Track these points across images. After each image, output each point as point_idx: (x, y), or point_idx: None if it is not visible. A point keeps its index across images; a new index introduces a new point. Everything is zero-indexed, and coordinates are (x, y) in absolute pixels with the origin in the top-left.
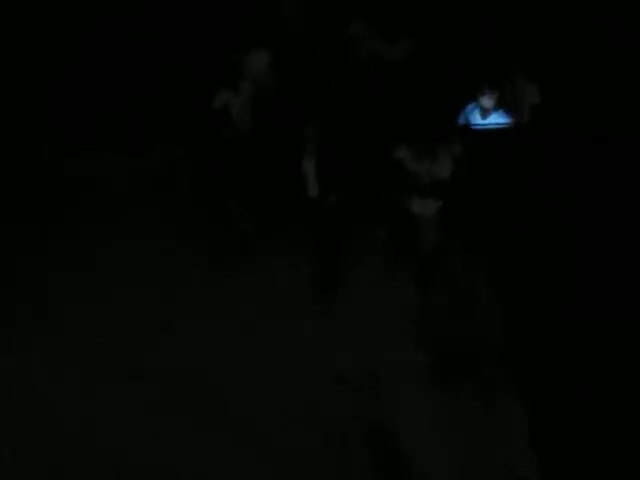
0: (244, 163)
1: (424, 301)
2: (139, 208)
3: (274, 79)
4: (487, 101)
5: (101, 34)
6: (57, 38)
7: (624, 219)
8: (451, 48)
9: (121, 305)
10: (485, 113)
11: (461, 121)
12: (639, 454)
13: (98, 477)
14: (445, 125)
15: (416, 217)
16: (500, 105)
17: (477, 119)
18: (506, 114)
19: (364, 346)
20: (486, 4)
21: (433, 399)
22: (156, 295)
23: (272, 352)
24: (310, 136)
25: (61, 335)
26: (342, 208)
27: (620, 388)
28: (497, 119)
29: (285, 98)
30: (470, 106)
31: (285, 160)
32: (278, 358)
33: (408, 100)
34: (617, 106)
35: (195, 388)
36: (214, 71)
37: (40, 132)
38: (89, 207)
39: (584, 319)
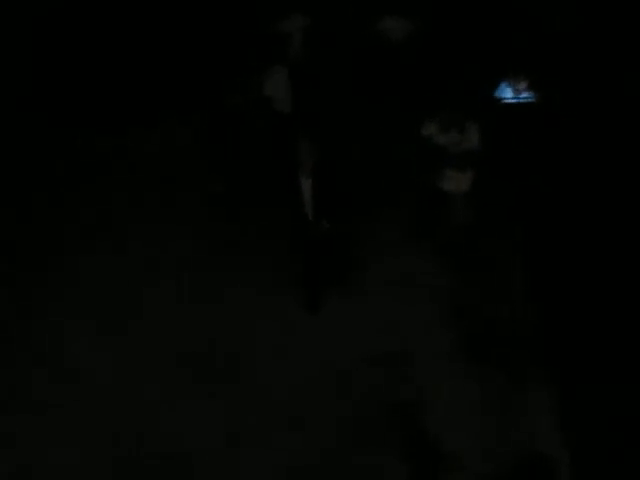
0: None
1: (454, 281)
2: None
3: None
4: (520, 84)
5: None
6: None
7: None
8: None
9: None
10: (518, 92)
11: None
12: None
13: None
14: (473, 96)
15: (447, 195)
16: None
17: (507, 94)
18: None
19: (394, 326)
20: None
21: (463, 378)
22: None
23: (305, 332)
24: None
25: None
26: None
27: None
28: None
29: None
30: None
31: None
32: (311, 338)
33: (438, 72)
34: None
35: (234, 368)
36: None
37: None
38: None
39: (617, 299)
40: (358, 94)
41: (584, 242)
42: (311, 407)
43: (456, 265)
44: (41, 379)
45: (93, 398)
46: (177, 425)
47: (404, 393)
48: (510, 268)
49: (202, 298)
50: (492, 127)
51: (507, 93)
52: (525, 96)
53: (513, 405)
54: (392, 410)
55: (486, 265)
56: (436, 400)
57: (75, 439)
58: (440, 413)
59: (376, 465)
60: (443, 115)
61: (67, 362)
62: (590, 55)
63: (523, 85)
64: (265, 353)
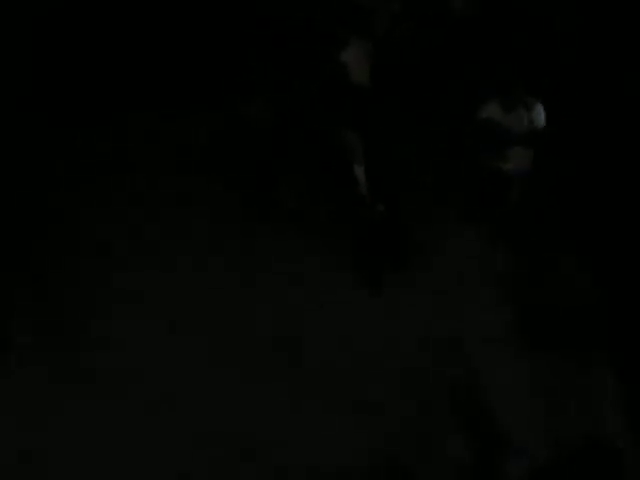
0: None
1: (513, 264)
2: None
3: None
4: None
5: None
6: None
7: None
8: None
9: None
10: None
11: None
12: None
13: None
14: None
15: (506, 175)
16: None
17: None
18: None
19: (449, 308)
20: None
21: (524, 361)
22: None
23: (359, 317)
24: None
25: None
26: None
27: None
28: None
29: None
30: None
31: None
32: (372, 320)
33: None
34: None
35: (293, 354)
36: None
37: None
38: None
39: None
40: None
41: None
42: (374, 390)
43: (515, 248)
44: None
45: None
46: (242, 408)
47: (465, 377)
48: (571, 251)
49: (263, 283)
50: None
51: None
52: None
53: (576, 389)
54: (453, 394)
55: (545, 247)
56: (497, 384)
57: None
58: (501, 397)
59: (439, 449)
60: (507, 94)
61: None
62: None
63: None
64: (327, 337)
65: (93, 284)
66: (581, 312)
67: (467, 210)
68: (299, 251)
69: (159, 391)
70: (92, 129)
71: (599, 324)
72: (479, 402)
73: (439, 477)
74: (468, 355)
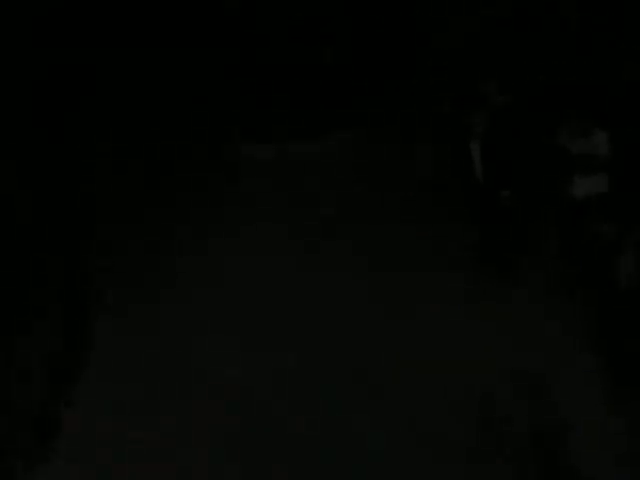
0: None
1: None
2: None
3: None
4: None
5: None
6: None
7: None
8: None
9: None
10: None
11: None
12: None
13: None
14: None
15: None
16: None
17: None
18: None
19: (535, 346)
20: None
21: (605, 401)
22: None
23: (445, 348)
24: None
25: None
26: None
27: None
28: None
29: None
30: None
31: None
32: (451, 354)
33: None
34: None
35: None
36: None
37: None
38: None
39: None
40: None
41: None
42: (452, 427)
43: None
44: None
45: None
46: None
47: (545, 417)
48: None
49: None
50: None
51: None
52: None
53: None
54: (533, 436)
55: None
56: (579, 426)
57: None
58: (583, 441)
59: None
60: (572, 122)
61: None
62: None
63: None
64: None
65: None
66: None
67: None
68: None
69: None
70: None
71: None
72: (560, 446)
73: None
74: (551, 394)
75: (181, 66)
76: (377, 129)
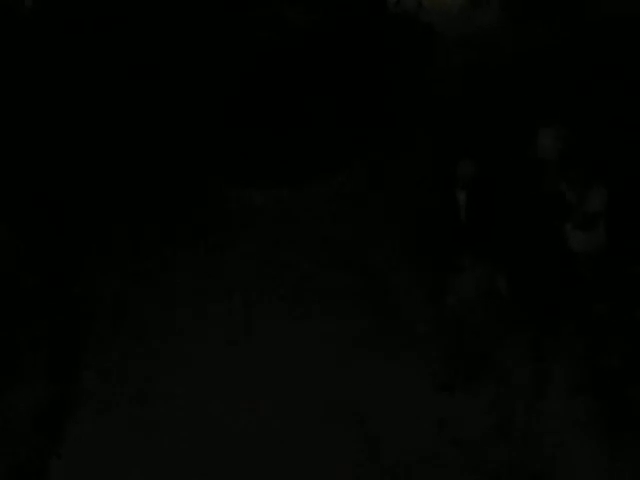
0: None
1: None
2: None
3: None
4: None
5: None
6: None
7: None
8: None
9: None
10: None
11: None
12: None
13: None
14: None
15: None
16: None
17: None
18: None
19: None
20: None
21: (597, 448)
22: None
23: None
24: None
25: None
26: None
27: None
28: None
29: None
30: None
31: None
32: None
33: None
34: None
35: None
36: None
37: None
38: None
39: None
40: None
41: None
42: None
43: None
44: None
45: None
46: None
47: (535, 464)
48: None
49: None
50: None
51: None
52: None
53: None
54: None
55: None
56: (568, 469)
57: None
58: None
59: None
60: (571, 172)
61: None
62: None
63: None
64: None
65: None
66: None
67: None
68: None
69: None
70: None
71: None
72: None
73: None
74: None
75: (167, 115)
76: (362, 174)
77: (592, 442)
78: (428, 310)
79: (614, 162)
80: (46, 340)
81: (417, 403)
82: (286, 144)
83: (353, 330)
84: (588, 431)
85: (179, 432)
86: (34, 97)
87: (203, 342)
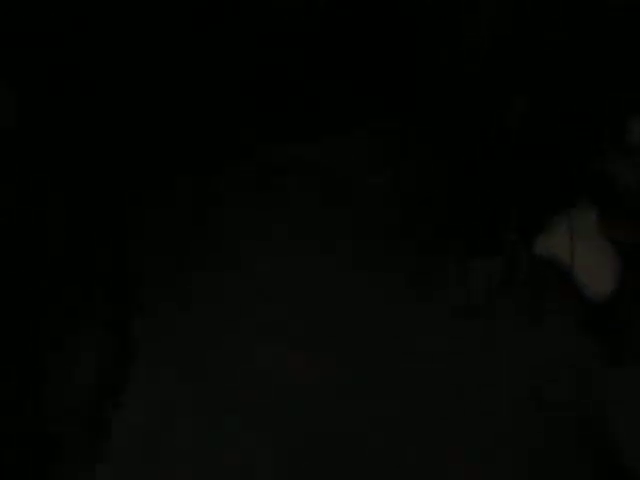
0: None
1: None
2: None
3: None
4: None
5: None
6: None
7: None
8: None
9: None
10: None
11: None
12: None
13: None
14: None
15: None
16: None
17: None
18: None
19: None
20: None
21: None
22: None
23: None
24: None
25: None
26: None
27: None
28: None
29: None
30: None
31: None
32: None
33: None
34: None
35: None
36: None
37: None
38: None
39: None
40: None
41: None
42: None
43: None
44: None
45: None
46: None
47: (585, 409)
48: None
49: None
50: None
51: None
52: None
53: None
54: (576, 428)
55: None
56: (617, 408)
57: None
58: (623, 423)
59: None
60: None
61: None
62: None
63: None
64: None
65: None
66: None
67: None
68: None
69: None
70: None
71: None
72: (603, 437)
73: None
74: (588, 384)
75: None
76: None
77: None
78: None
79: None
80: (107, 293)
81: None
82: (307, 98)
83: (390, 276)
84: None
85: (225, 383)
86: None
87: (249, 299)
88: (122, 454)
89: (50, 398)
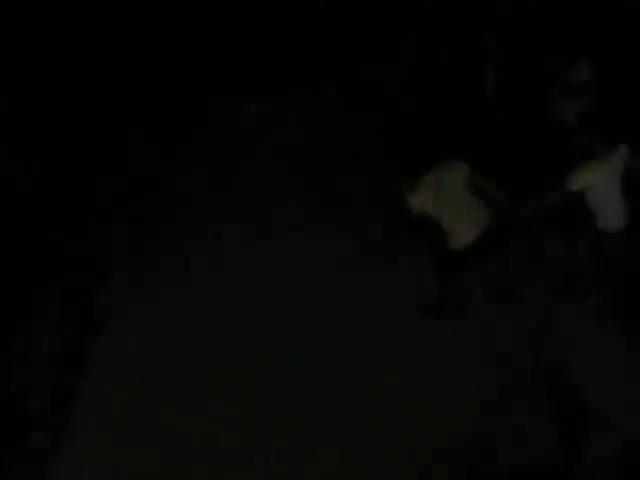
0: None
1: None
2: None
3: None
4: None
5: None
6: None
7: None
8: None
9: None
10: None
11: None
12: None
13: None
14: None
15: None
16: None
17: None
18: None
19: None
20: None
21: (611, 337)
22: None
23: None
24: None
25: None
26: None
27: None
28: None
29: None
30: None
31: None
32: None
33: None
34: None
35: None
36: None
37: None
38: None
39: None
40: None
41: None
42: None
43: None
44: None
45: None
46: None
47: (548, 353)
48: None
49: None
50: None
51: None
52: None
53: None
54: (537, 371)
55: None
56: (582, 359)
57: None
58: (586, 373)
59: (522, 426)
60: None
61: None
62: None
63: None
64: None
65: None
66: None
67: None
68: None
69: None
70: None
71: None
72: (564, 379)
73: (520, 456)
74: (553, 331)
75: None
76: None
77: (606, 336)
78: None
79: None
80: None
81: None
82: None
83: (368, 233)
84: (603, 325)
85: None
86: None
87: (216, 267)
88: (90, 423)
89: (17, 367)
